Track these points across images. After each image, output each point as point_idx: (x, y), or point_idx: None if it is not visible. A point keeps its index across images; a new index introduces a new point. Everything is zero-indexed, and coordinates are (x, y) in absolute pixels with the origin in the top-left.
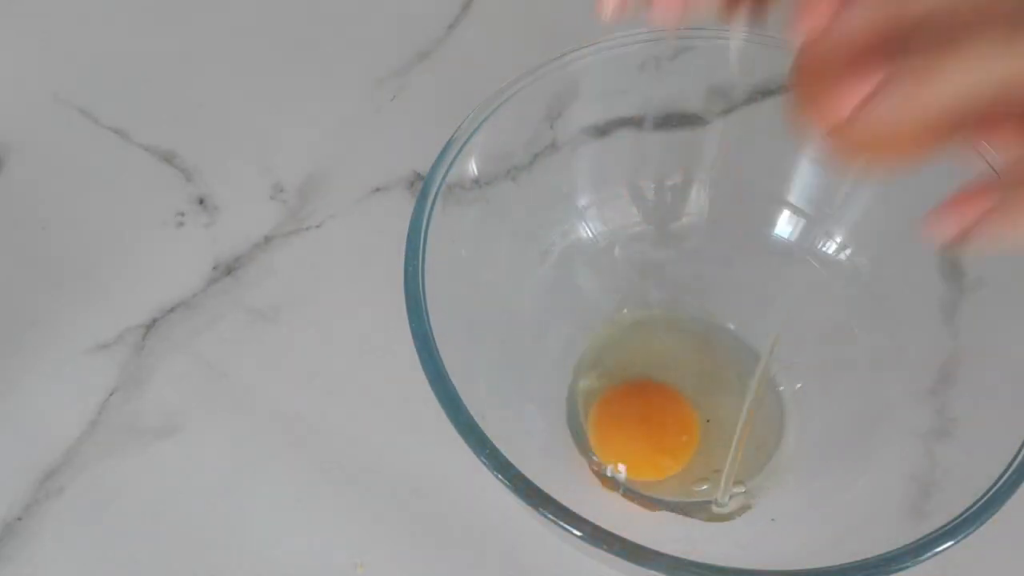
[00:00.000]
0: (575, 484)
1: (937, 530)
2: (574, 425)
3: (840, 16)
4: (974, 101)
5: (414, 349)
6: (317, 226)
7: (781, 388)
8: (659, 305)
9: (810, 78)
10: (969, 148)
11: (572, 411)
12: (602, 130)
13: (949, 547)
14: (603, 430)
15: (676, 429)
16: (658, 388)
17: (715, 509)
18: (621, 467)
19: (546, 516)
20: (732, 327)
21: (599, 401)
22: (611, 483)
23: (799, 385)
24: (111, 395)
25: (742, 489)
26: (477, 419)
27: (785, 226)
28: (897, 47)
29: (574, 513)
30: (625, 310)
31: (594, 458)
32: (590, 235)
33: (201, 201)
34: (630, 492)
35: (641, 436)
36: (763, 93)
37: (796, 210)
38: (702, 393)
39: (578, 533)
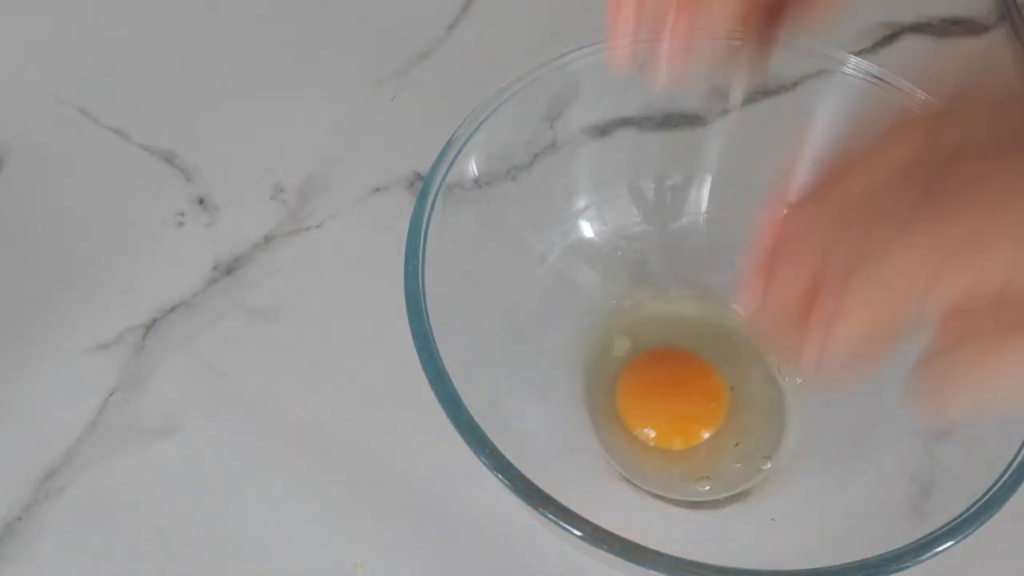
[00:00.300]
0: (576, 484)
1: (937, 530)
2: (591, 393)
3: (779, 274)
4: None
5: (414, 349)
6: (317, 226)
7: (782, 386)
8: (659, 305)
9: (774, 330)
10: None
11: (590, 376)
12: (602, 130)
13: (949, 547)
14: (632, 396)
15: (705, 396)
16: (686, 356)
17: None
18: (650, 432)
19: (546, 516)
20: (731, 325)
21: (628, 367)
22: (614, 473)
23: (799, 381)
24: (111, 395)
25: (768, 465)
26: (477, 419)
27: None
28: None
29: (574, 513)
30: (620, 304)
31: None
32: (590, 235)
33: (201, 201)
34: (632, 485)
35: (671, 402)
36: (763, 93)
37: None
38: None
39: (578, 533)
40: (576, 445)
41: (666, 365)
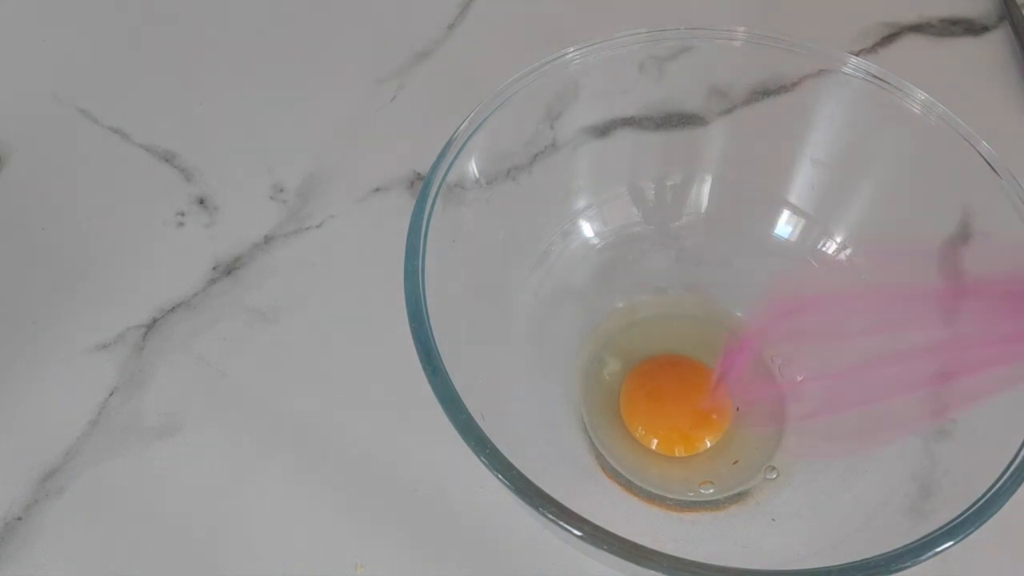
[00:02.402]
0: (576, 484)
1: (937, 530)
2: (591, 393)
3: None
4: None
5: (414, 349)
6: (317, 226)
7: (782, 385)
8: (659, 305)
9: None
10: None
11: (590, 377)
12: (602, 130)
13: (949, 547)
14: (636, 401)
15: (710, 405)
16: (693, 364)
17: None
18: (653, 439)
19: (546, 516)
20: (730, 327)
21: (633, 372)
22: (614, 474)
23: (800, 379)
24: (111, 395)
25: (774, 475)
26: (477, 419)
27: (785, 226)
28: None
29: (574, 513)
30: (620, 304)
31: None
32: (590, 235)
33: (201, 201)
34: (633, 486)
35: (676, 410)
36: (763, 93)
37: (796, 210)
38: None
39: (578, 533)
40: (576, 445)
41: (672, 371)
